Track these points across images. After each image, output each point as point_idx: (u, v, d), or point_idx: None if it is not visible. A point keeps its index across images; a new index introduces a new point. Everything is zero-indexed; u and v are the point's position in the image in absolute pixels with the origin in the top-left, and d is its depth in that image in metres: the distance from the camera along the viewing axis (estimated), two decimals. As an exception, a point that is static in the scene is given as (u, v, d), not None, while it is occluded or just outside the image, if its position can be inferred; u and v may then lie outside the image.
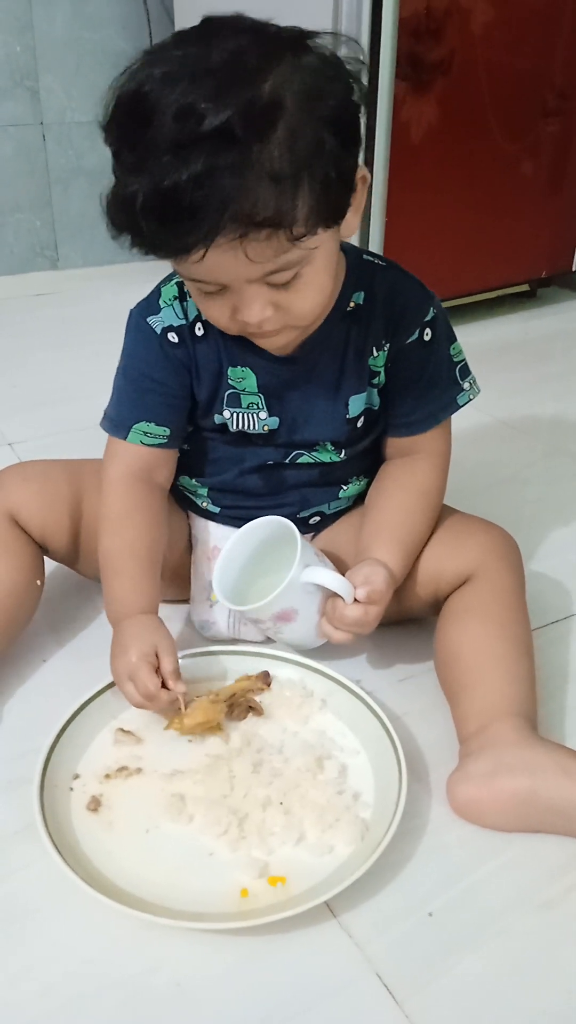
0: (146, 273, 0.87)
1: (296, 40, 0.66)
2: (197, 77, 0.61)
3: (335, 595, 0.80)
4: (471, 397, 0.89)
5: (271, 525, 0.85)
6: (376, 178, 1.57)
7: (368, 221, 1.61)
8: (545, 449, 1.40)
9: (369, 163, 1.56)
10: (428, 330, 0.85)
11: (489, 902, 0.68)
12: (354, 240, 1.60)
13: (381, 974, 0.63)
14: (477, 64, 1.59)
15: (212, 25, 0.65)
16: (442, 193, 1.68)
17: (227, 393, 0.84)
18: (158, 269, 0.80)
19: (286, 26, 0.67)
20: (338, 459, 0.89)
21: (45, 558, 0.93)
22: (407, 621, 0.93)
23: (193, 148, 0.60)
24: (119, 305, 0.88)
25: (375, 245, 1.62)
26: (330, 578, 0.80)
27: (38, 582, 0.90)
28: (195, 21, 0.67)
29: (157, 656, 0.78)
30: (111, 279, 1.98)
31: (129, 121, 0.63)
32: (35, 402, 1.49)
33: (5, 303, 1.94)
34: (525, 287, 1.99)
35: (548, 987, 0.62)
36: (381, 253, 1.61)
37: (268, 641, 0.91)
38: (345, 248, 0.83)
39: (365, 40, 1.46)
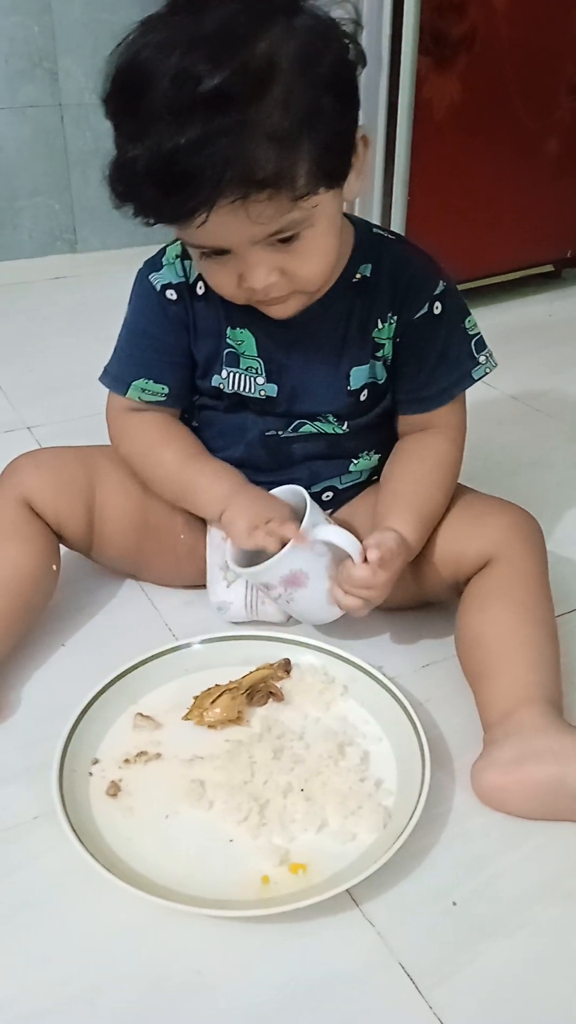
0: (164, 255, 0.86)
1: (289, 3, 0.66)
2: (192, 43, 0.61)
3: (346, 559, 0.79)
4: (487, 371, 0.88)
5: (285, 495, 0.85)
6: (398, 156, 1.54)
7: (390, 199, 1.58)
8: (569, 432, 1.38)
9: (391, 140, 1.54)
10: (437, 303, 0.84)
11: (514, 891, 0.67)
12: (375, 218, 1.59)
13: (404, 964, 0.62)
14: (501, 39, 1.55)
15: None
16: (465, 171, 1.65)
17: (226, 352, 0.84)
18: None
19: None
20: (341, 431, 0.87)
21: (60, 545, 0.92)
22: (428, 606, 0.92)
23: (191, 112, 0.60)
24: (138, 288, 0.87)
25: (397, 223, 1.59)
26: (337, 534, 0.79)
27: (54, 567, 0.90)
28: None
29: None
30: (130, 262, 1.94)
31: (127, 89, 0.64)
32: (53, 386, 1.48)
33: (24, 287, 1.93)
34: (550, 268, 1.95)
35: (574, 978, 0.61)
36: (403, 232, 1.59)
37: (287, 623, 0.90)
38: (355, 221, 0.83)
39: (387, 14, 1.43)
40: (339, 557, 0.80)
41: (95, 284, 1.93)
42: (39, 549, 0.87)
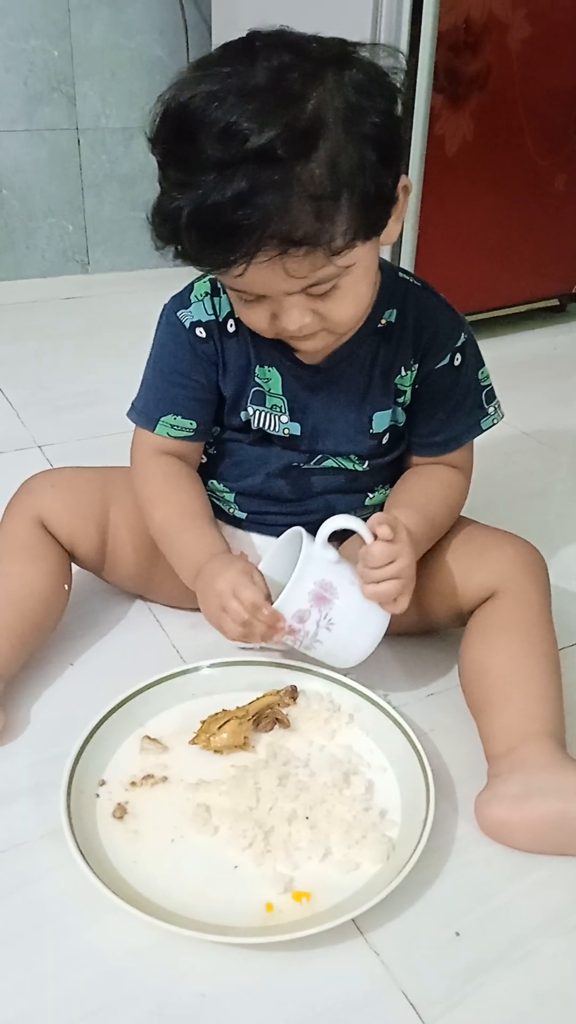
0: (175, 279, 0.88)
1: (339, 56, 0.67)
2: (242, 96, 0.62)
3: (359, 559, 0.77)
4: (495, 422, 0.90)
5: (287, 538, 0.85)
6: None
7: (400, 233, 1.61)
8: (572, 465, 1.39)
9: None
10: (458, 355, 0.86)
11: (517, 923, 0.67)
12: (386, 253, 1.61)
13: (407, 993, 0.62)
14: (513, 79, 1.58)
15: (256, 42, 0.67)
16: (474, 207, 1.68)
17: (253, 390, 0.85)
18: (187, 275, 0.81)
19: (329, 38, 0.68)
20: (361, 468, 0.89)
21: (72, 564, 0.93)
22: (432, 635, 0.93)
23: (236, 168, 0.62)
24: (148, 309, 0.89)
25: (407, 257, 1.62)
26: (341, 520, 0.78)
27: (65, 586, 0.91)
28: (232, 30, 0.68)
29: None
30: (141, 283, 1.99)
31: (175, 137, 0.65)
32: (65, 405, 1.49)
33: (36, 306, 1.95)
34: (555, 302, 1.98)
35: (575, 1011, 0.62)
36: (412, 265, 1.61)
37: (293, 650, 0.91)
38: (381, 265, 0.84)
39: (403, 52, 1.46)
40: (354, 566, 0.79)
41: (106, 304, 1.95)
42: (51, 568, 0.88)
